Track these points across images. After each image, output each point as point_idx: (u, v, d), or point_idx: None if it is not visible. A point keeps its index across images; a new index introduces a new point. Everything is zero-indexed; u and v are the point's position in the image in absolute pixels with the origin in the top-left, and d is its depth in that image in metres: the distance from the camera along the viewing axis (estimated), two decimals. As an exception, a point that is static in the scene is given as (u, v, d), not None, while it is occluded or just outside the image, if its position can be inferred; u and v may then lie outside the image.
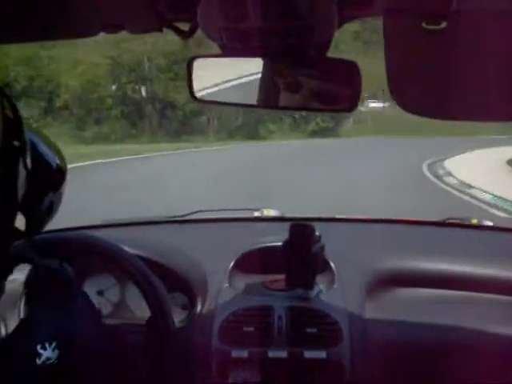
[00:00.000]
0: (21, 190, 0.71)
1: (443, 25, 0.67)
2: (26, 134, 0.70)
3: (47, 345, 1.02)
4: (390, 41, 0.70)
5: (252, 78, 0.90)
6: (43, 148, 0.78)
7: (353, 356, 1.18)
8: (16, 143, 0.67)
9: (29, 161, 0.72)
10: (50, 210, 0.83)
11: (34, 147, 0.74)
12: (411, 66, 0.72)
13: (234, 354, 1.19)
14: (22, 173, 0.70)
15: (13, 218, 0.73)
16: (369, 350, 1.23)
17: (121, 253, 1.07)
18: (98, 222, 1.79)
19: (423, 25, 0.67)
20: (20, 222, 1.63)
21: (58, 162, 0.82)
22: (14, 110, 0.68)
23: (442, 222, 1.75)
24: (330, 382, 1.18)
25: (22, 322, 1.26)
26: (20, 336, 1.10)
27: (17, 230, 1.53)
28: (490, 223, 1.73)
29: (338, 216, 1.84)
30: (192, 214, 1.83)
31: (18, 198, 0.71)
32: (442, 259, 1.41)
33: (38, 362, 1.01)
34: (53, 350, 1.01)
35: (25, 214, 0.76)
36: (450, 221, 1.74)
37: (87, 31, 0.84)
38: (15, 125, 0.67)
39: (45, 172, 0.79)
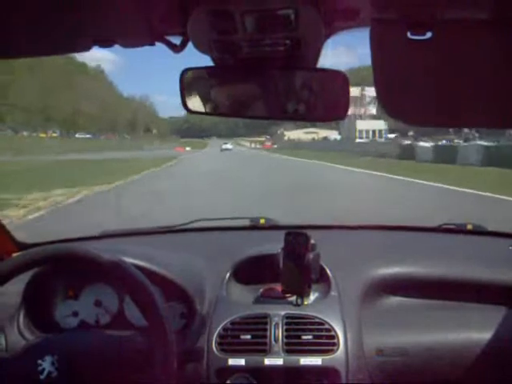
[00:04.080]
0: None
1: (428, 35, 0.69)
2: None
3: (46, 358, 1.02)
4: (376, 50, 0.72)
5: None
6: None
7: (348, 363, 1.18)
8: None
9: None
10: None
11: None
12: (398, 75, 0.73)
13: (231, 362, 1.19)
14: None
15: None
16: (364, 357, 1.23)
17: (117, 263, 1.07)
18: (98, 233, 1.80)
19: (408, 35, 0.69)
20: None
21: None
22: None
23: (437, 228, 1.76)
24: None
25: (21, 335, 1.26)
26: (19, 350, 1.10)
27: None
28: (485, 228, 1.74)
29: (333, 224, 1.85)
30: (191, 223, 1.84)
31: None
32: (437, 265, 1.42)
33: (39, 376, 1.01)
34: (52, 364, 1.02)
35: None
36: (446, 226, 1.75)
37: (80, 46, 0.85)
38: None
39: None
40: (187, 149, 64.82)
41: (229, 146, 56.77)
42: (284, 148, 55.04)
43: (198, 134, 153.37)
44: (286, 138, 75.51)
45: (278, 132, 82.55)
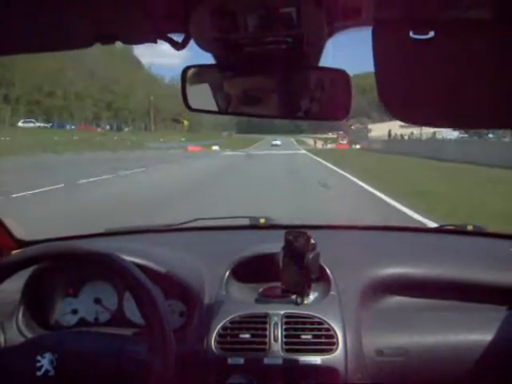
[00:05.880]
0: None
1: (431, 34, 0.69)
2: None
3: (46, 355, 1.02)
4: (379, 50, 0.71)
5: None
6: None
7: (347, 362, 1.18)
8: None
9: None
10: None
11: None
12: (401, 75, 0.73)
13: (231, 361, 1.19)
14: None
15: None
16: (363, 357, 1.23)
17: (117, 261, 1.07)
18: (100, 231, 1.81)
19: (411, 34, 0.69)
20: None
21: None
22: None
23: (437, 229, 1.76)
24: None
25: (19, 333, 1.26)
26: (17, 348, 1.10)
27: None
28: (485, 229, 1.74)
29: (333, 223, 1.85)
30: (190, 222, 1.84)
31: None
32: (437, 266, 1.42)
33: (36, 372, 1.01)
34: (51, 362, 1.02)
35: None
36: (446, 227, 1.75)
37: (81, 42, 0.84)
38: None
39: None
40: (214, 148, 47.38)
41: (278, 142, 61.48)
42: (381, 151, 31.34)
43: (256, 129, 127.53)
44: (372, 133, 51.21)
45: (353, 127, 57.22)
